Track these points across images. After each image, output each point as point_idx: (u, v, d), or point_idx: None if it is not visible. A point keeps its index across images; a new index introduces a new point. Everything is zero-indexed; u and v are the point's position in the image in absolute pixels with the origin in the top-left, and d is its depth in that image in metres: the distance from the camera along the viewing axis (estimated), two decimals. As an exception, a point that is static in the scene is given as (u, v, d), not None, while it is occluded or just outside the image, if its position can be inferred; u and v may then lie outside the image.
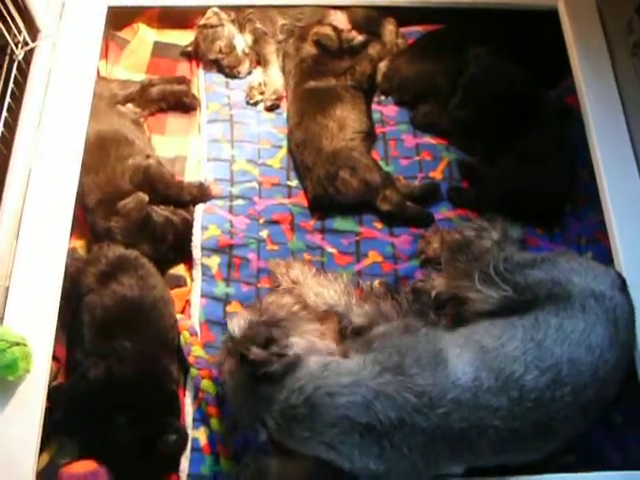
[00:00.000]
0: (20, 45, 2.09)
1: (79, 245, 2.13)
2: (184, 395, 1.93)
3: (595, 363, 1.65)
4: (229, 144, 2.29)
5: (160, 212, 2.09)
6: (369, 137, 2.26)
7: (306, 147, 2.19)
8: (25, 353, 1.78)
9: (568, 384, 1.62)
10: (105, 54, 2.43)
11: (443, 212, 2.20)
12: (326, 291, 2.00)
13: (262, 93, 2.38)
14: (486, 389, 1.59)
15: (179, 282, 2.10)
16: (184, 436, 1.88)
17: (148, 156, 2.16)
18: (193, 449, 1.86)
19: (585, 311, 1.71)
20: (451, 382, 1.59)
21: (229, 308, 2.04)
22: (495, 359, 1.63)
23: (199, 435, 1.88)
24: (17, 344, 1.77)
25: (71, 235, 2.02)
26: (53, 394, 1.85)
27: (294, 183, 2.25)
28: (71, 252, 2.04)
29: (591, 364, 1.65)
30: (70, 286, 1.96)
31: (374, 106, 2.39)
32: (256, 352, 1.62)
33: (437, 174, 2.26)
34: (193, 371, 1.93)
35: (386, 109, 2.39)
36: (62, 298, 1.91)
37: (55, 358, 1.92)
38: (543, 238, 2.16)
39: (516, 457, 1.67)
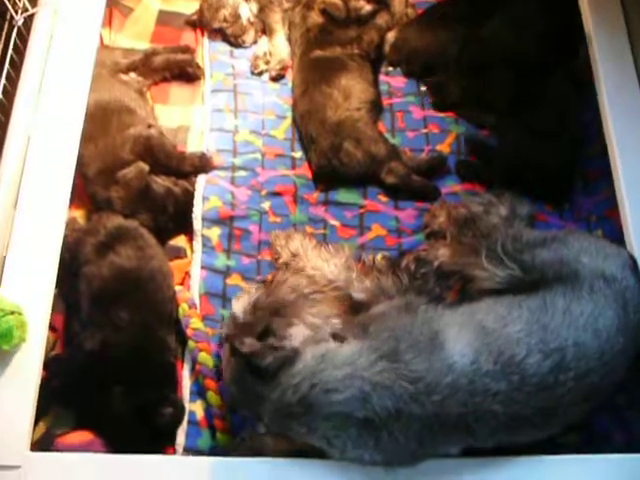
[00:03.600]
0: (20, 11, 2.04)
1: (79, 215, 2.09)
2: (182, 368, 1.89)
3: (601, 348, 1.58)
4: (232, 114, 2.23)
5: (161, 182, 2.05)
6: (375, 108, 2.19)
7: (310, 117, 2.14)
8: (21, 322, 1.74)
9: (572, 369, 1.56)
10: (108, 22, 2.39)
11: (450, 186, 2.13)
12: (326, 265, 1.95)
13: (267, 63, 2.33)
14: (484, 373, 1.52)
15: (179, 253, 2.05)
16: (180, 409, 1.85)
17: (150, 125, 2.12)
18: (190, 422, 1.82)
19: (593, 293, 1.63)
20: (447, 366, 1.52)
21: (229, 280, 2.00)
22: (496, 341, 1.56)
23: (196, 408, 1.84)
24: (12, 313, 1.73)
25: (70, 205, 1.98)
26: (50, 364, 1.83)
27: (298, 154, 2.19)
28: (70, 222, 2.01)
29: (597, 349, 1.58)
30: (69, 256, 1.92)
31: (381, 77, 2.33)
32: (250, 344, 1.58)
33: (444, 147, 2.19)
34: (191, 343, 1.88)
35: (394, 80, 2.33)
36: (61, 268, 1.86)
37: (53, 328, 1.89)
38: (552, 214, 2.09)
39: (515, 439, 1.60)
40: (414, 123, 2.24)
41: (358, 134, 2.08)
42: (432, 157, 2.15)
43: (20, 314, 1.76)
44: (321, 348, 1.60)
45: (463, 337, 1.58)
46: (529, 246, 1.80)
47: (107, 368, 1.81)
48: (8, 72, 1.97)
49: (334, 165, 2.08)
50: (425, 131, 2.23)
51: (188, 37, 2.41)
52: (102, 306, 1.88)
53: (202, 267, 2.01)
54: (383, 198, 2.12)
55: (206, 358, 1.87)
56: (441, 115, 2.25)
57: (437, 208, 2.08)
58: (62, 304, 1.94)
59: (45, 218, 1.91)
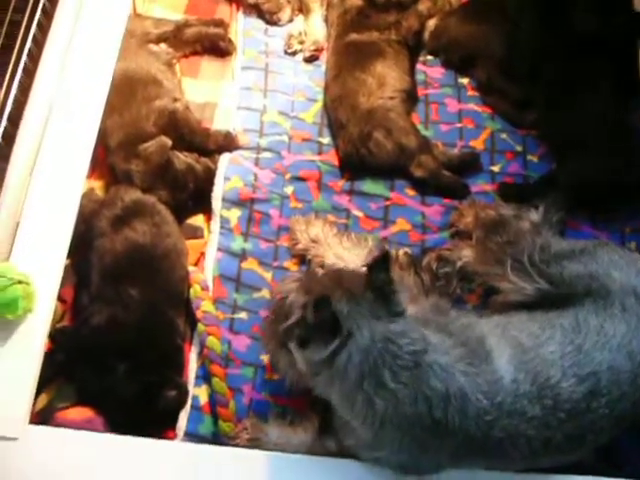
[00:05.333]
0: (50, -27, 1.96)
1: (98, 186, 2.01)
2: (189, 350, 1.80)
3: (634, 371, 1.47)
4: (261, 93, 2.12)
5: (183, 159, 1.95)
6: (410, 98, 2.07)
7: (341, 103, 2.02)
8: (27, 292, 1.65)
9: (605, 395, 1.44)
10: None
11: (481, 184, 2.00)
12: (347, 253, 1.85)
13: (301, 43, 2.21)
14: (522, 394, 1.40)
15: (196, 233, 1.95)
16: (184, 392, 1.76)
17: (176, 99, 2.02)
18: (192, 407, 1.74)
19: (625, 311, 1.52)
20: (496, 381, 1.40)
21: (244, 264, 1.90)
22: (532, 360, 1.44)
23: (200, 393, 1.76)
24: (20, 282, 1.65)
25: (89, 175, 1.91)
26: (56, 336, 1.75)
27: (326, 140, 2.07)
28: (88, 192, 1.93)
29: (630, 372, 1.47)
30: (83, 227, 1.84)
31: (419, 66, 2.20)
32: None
33: (478, 144, 2.07)
34: (200, 327, 1.80)
35: (431, 70, 2.20)
36: (74, 239, 1.78)
37: (62, 300, 1.81)
38: (585, 222, 1.95)
39: (538, 465, 1.49)
40: (448, 116, 2.11)
41: (390, 124, 1.96)
42: (464, 153, 2.03)
43: (28, 284, 1.67)
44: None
45: (504, 351, 1.46)
46: (557, 258, 1.68)
47: (113, 345, 1.73)
48: (35, 35, 1.88)
49: (362, 154, 1.96)
50: (459, 125, 2.10)
51: (223, 11, 2.29)
52: (112, 281, 1.79)
53: (218, 249, 1.92)
54: (410, 192, 2.00)
55: (214, 343, 1.78)
56: (478, 110, 2.12)
57: (465, 207, 1.95)
58: (73, 276, 1.86)
59: (61, 187, 1.82)
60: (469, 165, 2.01)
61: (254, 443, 1.67)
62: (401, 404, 1.37)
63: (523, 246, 1.74)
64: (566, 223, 1.93)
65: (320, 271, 1.60)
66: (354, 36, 2.08)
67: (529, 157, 2.06)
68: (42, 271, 1.73)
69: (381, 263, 1.39)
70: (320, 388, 1.45)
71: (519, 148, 2.07)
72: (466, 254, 1.87)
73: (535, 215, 1.88)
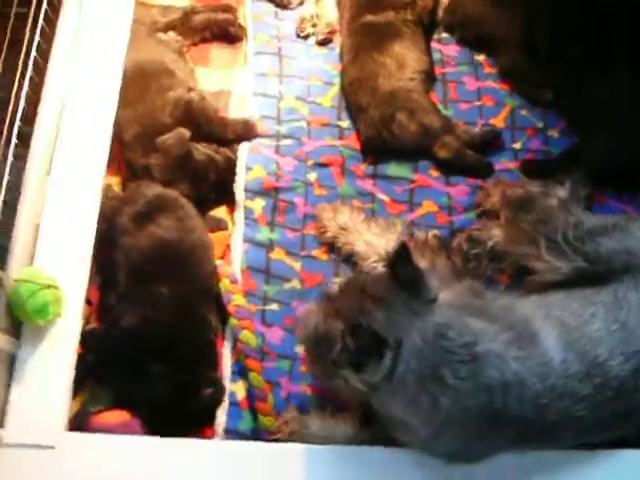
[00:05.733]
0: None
1: (114, 182, 1.92)
2: (222, 345, 1.74)
3: None
4: (277, 79, 2.05)
5: (202, 150, 1.88)
6: (429, 78, 2.00)
7: (360, 86, 1.95)
8: (56, 296, 1.60)
9: None
10: None
11: (504, 162, 1.95)
12: (376, 239, 1.79)
13: (314, 26, 2.13)
14: (572, 374, 1.37)
15: (220, 225, 1.89)
16: (221, 389, 1.70)
17: (190, 89, 1.94)
18: (230, 403, 1.69)
19: None
20: (546, 363, 1.37)
21: (272, 255, 1.83)
22: (579, 340, 1.41)
23: (237, 389, 1.70)
24: (48, 287, 1.58)
25: (106, 171, 1.84)
26: (86, 338, 1.68)
27: (345, 124, 2.01)
28: (106, 189, 1.84)
29: None
30: (105, 226, 1.76)
31: (433, 44, 2.13)
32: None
33: (498, 121, 2.01)
34: (233, 321, 1.74)
35: (447, 48, 2.13)
36: (96, 238, 1.72)
37: (87, 301, 1.73)
38: (612, 197, 1.91)
39: (585, 442, 1.47)
40: (467, 95, 2.05)
41: (412, 105, 1.90)
42: (486, 131, 1.97)
43: (56, 288, 1.61)
44: None
45: (550, 332, 1.42)
46: (591, 234, 1.63)
47: (145, 345, 1.67)
48: (42, 28, 1.79)
49: (384, 137, 1.90)
50: (479, 103, 2.04)
51: (228, -6, 2.23)
52: (140, 280, 1.72)
53: (244, 240, 1.85)
54: (434, 173, 1.94)
55: (248, 336, 1.72)
56: (496, 87, 2.05)
57: (491, 186, 1.90)
58: (97, 276, 1.78)
59: (80, 186, 1.76)
60: (491, 143, 1.95)
61: (296, 437, 1.62)
62: (462, 398, 1.34)
63: (556, 224, 1.69)
64: (593, 198, 1.88)
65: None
66: (369, 17, 2.01)
67: (550, 133, 2.01)
68: (68, 273, 1.67)
69: (403, 255, 1.34)
70: (381, 401, 1.40)
71: (540, 124, 2.01)
72: (496, 234, 1.82)
73: (562, 191, 1.83)
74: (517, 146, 1.99)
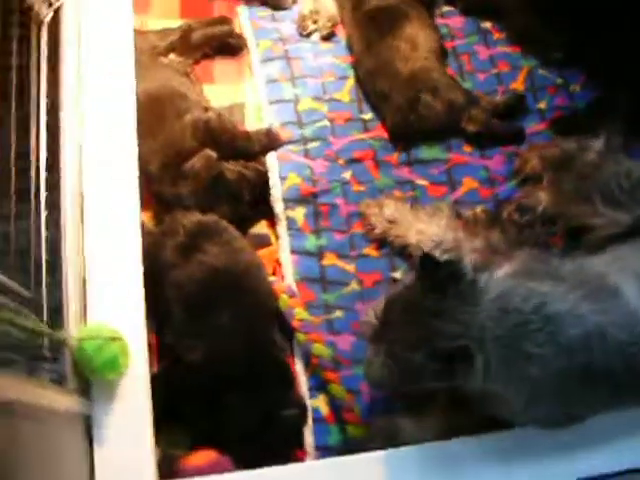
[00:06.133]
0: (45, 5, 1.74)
1: (146, 218, 1.81)
2: (293, 363, 1.67)
3: None
4: (290, 82, 1.95)
5: (231, 168, 1.78)
6: (442, 54, 1.93)
7: (380, 74, 1.87)
8: (123, 348, 1.50)
9: None
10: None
11: (533, 126, 1.89)
12: (427, 227, 1.73)
13: (315, 22, 2.03)
14: None
15: (263, 241, 1.81)
16: (303, 408, 1.63)
17: (206, 108, 1.84)
18: (315, 420, 1.61)
19: None
20: (631, 313, 1.31)
21: (325, 261, 1.76)
22: None
23: (319, 404, 1.63)
24: (113, 339, 1.49)
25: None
26: (154, 382, 1.59)
27: (368, 116, 1.92)
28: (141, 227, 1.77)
29: None
30: (149, 264, 1.66)
31: (438, 20, 2.04)
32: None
33: (518, 85, 1.94)
34: (300, 336, 1.66)
35: (451, 21, 2.05)
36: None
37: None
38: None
39: None
40: (482, 64, 1.98)
41: (434, 83, 1.82)
42: (509, 97, 1.90)
43: (121, 339, 1.51)
44: None
45: (632, 284, 1.36)
46: None
47: (216, 378, 1.58)
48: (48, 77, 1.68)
49: (412, 120, 1.82)
50: (495, 71, 1.97)
51: (220, 6, 2.10)
52: (199, 312, 1.63)
53: (292, 252, 1.77)
54: (467, 148, 1.87)
55: (321, 349, 1.65)
56: (508, 51, 1.98)
57: (526, 152, 1.85)
58: (149, 318, 1.70)
59: (118, 228, 1.64)
60: (517, 108, 1.88)
61: (392, 441, 1.56)
62: (548, 363, 1.29)
63: (606, 177, 1.66)
64: (627, 146, 1.86)
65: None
66: (373, 3, 1.92)
67: (572, 87, 1.94)
68: (125, 321, 1.56)
69: (428, 263, 1.30)
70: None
71: (559, 80, 1.95)
72: (543, 198, 1.77)
73: (598, 143, 1.77)
74: (542, 106, 1.93)
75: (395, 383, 1.37)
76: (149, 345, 1.64)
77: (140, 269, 1.63)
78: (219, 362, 1.60)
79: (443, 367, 1.26)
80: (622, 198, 1.59)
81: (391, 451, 1.49)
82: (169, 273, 1.68)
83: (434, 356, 1.26)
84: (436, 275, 1.29)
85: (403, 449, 1.49)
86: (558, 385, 1.32)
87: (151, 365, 1.65)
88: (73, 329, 1.52)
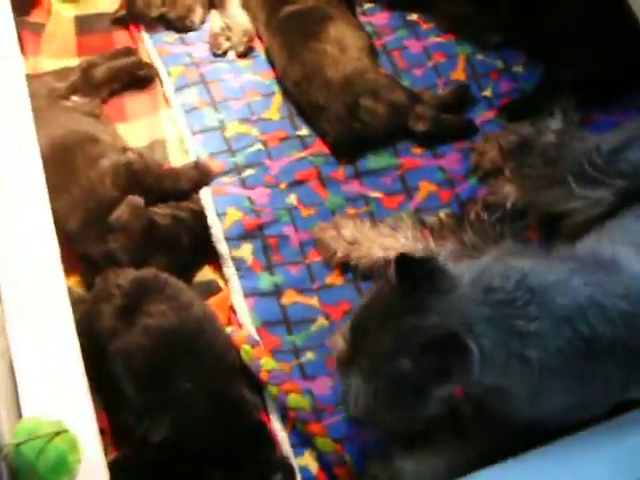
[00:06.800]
0: None
1: (73, 283, 1.56)
2: (269, 420, 1.43)
3: None
4: (211, 108, 1.73)
5: (163, 212, 1.54)
6: (373, 53, 1.74)
7: (310, 83, 1.66)
8: (70, 442, 1.22)
9: None
10: (21, 48, 1.77)
11: (482, 114, 1.72)
12: (391, 240, 1.53)
13: (229, 39, 1.81)
14: None
15: (211, 288, 1.57)
16: (290, 470, 1.38)
17: (124, 149, 1.60)
18: (305, 480, 1.40)
19: None
20: (630, 282, 1.18)
21: (284, 300, 1.53)
22: None
23: (307, 462, 1.39)
24: (57, 434, 1.24)
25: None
26: (115, 473, 1.34)
27: (304, 131, 1.71)
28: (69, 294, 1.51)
29: None
30: (85, 338, 1.41)
31: (361, 18, 1.85)
32: None
33: (459, 75, 1.77)
34: (272, 389, 1.42)
35: (375, 18, 1.86)
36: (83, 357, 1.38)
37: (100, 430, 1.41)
38: (598, 111, 1.70)
39: None
40: (416, 58, 1.80)
41: (372, 85, 1.63)
42: (453, 88, 1.73)
43: (66, 431, 1.24)
44: None
45: (624, 253, 1.23)
46: (614, 153, 1.43)
47: (189, 453, 1.33)
48: None
49: (354, 128, 1.62)
50: (431, 63, 1.79)
51: (121, 38, 1.86)
52: (153, 384, 1.37)
53: (246, 295, 1.54)
54: (417, 150, 1.68)
55: (298, 400, 1.41)
56: (441, 40, 1.81)
57: (481, 144, 1.68)
58: (97, 397, 1.45)
59: (42, 302, 1.36)
60: (463, 99, 1.71)
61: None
62: (546, 341, 1.14)
63: (575, 156, 1.49)
64: (583, 120, 1.70)
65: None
66: (289, 8, 1.71)
67: (514, 69, 1.78)
68: (68, 409, 1.29)
69: (405, 263, 1.13)
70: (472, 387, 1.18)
71: (500, 64, 1.79)
72: (510, 191, 1.60)
73: (555, 123, 1.62)
74: (488, 94, 1.76)
75: (384, 407, 1.17)
76: (101, 431, 1.39)
77: (75, 345, 1.35)
78: (189, 436, 1.34)
79: (435, 365, 1.08)
80: (598, 175, 1.42)
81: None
82: (111, 344, 1.42)
83: (422, 356, 1.08)
84: (414, 274, 1.13)
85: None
86: (562, 367, 1.15)
87: (110, 452, 1.43)
88: (6, 432, 1.26)
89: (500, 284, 1.14)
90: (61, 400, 1.29)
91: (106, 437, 1.41)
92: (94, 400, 1.33)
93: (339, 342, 1.22)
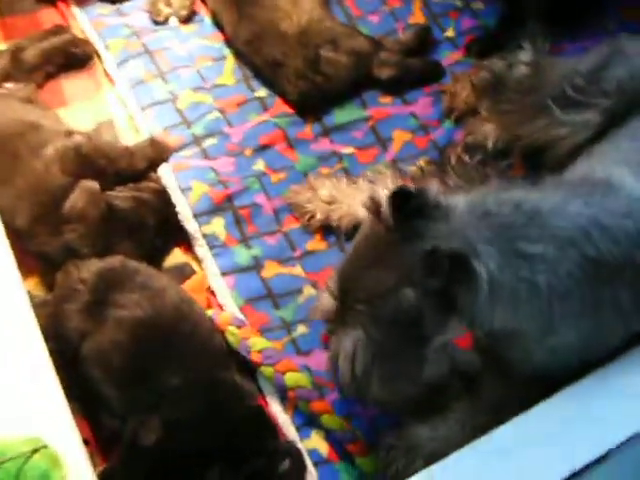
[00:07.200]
0: None
1: (31, 286, 1.38)
2: (267, 405, 1.28)
3: None
4: (160, 80, 1.58)
5: (122, 195, 1.38)
6: (325, 2, 1.59)
7: (264, 40, 1.52)
8: (52, 458, 1.07)
9: None
10: None
11: (448, 56, 1.61)
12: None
13: (169, 4, 1.65)
14: None
15: (185, 272, 1.41)
16: (298, 454, 1.23)
17: (70, 132, 1.42)
18: (317, 464, 1.23)
19: None
20: (632, 202, 1.09)
21: (265, 273, 1.38)
22: None
23: (315, 444, 1.25)
24: (35, 451, 1.08)
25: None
26: (107, 482, 1.20)
27: (262, 92, 1.57)
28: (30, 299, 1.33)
29: None
30: (53, 342, 1.23)
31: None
32: None
33: (417, 17, 1.66)
34: (266, 370, 1.28)
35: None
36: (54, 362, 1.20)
37: (84, 442, 1.24)
38: (564, 40, 1.59)
39: None
40: (370, 5, 1.67)
41: (331, 34, 1.50)
42: (414, 31, 1.60)
43: (46, 447, 1.09)
44: None
45: (620, 172, 1.14)
46: (594, 73, 1.34)
47: (187, 451, 1.17)
48: None
49: (317, 83, 1.49)
50: (387, 9, 1.67)
51: (49, 16, 1.68)
52: (137, 381, 1.22)
53: (223, 273, 1.39)
54: (385, 99, 1.56)
55: (296, 378, 1.27)
56: (394, -17, 1.70)
57: (452, 85, 1.57)
58: (76, 405, 1.28)
59: (2, 315, 1.21)
60: (425, 41, 1.58)
61: (412, 457, 1.21)
62: (553, 263, 1.03)
63: (555, 82, 1.39)
64: (552, 50, 1.60)
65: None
66: (232, -34, 1.57)
67: (474, 6, 1.67)
68: (45, 423, 1.13)
69: (400, 196, 1.02)
70: (483, 322, 1.05)
71: (459, 2, 1.68)
72: (488, 130, 1.49)
73: (525, 54, 1.51)
74: (450, 34, 1.64)
75: (384, 364, 1.04)
76: (85, 442, 1.23)
77: (44, 352, 1.20)
78: (182, 433, 1.18)
79: (441, 290, 0.96)
80: (581, 97, 1.32)
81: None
82: (83, 345, 1.26)
83: (426, 280, 0.96)
84: (410, 207, 1.02)
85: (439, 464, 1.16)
86: (572, 293, 1.04)
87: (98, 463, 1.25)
88: (-24, 457, 1.10)
89: (497, 210, 1.05)
90: (35, 414, 1.14)
91: (91, 447, 1.26)
92: (72, 409, 1.20)
93: (325, 300, 1.09)
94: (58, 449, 1.08)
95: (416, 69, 1.55)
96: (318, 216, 1.41)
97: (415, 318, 1.00)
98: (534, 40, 1.53)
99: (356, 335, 1.03)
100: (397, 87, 1.56)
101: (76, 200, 1.33)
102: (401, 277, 1.00)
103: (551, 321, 1.08)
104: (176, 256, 1.43)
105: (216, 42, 1.64)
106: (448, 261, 0.96)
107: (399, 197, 1.03)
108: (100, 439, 1.27)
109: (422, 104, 1.55)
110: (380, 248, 1.05)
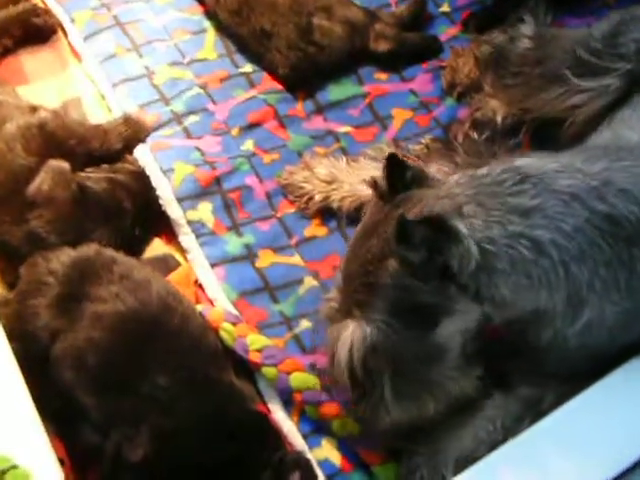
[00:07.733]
0: None
1: (-7, 283, 1.21)
2: (268, 411, 1.11)
3: None
4: (134, 53, 1.41)
5: (95, 176, 1.19)
6: (316, -29, 1.47)
7: (252, 10, 1.37)
8: (23, 477, 0.90)
9: None
10: None
11: (445, 32, 1.48)
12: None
13: (142, -28, 1.50)
14: None
15: (168, 264, 1.22)
16: (307, 465, 1.05)
17: (34, 108, 1.23)
18: (328, 477, 1.05)
19: None
20: None
21: (260, 262, 1.21)
22: None
23: (326, 454, 1.07)
24: (3, 473, 0.88)
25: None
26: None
27: (248, 68, 1.41)
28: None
29: None
30: (19, 346, 1.04)
31: None
32: None
33: (411, -10, 1.54)
34: (268, 372, 1.10)
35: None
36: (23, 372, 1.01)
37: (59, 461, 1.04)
38: (567, 16, 1.49)
39: None
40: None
41: (324, 2, 1.35)
42: (408, 5, 1.46)
43: (16, 467, 0.89)
44: None
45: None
46: (611, 37, 1.22)
47: (179, 470, 0.98)
48: None
49: (310, 54, 1.33)
50: (380, -18, 1.54)
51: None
52: (119, 386, 1.02)
53: (212, 264, 1.21)
54: (381, 75, 1.42)
55: (303, 379, 1.09)
56: (383, -44, 1.56)
57: (453, 60, 1.44)
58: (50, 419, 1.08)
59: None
60: (421, 15, 1.45)
61: (438, 463, 1.04)
62: (554, 217, 0.91)
63: (568, 48, 1.27)
64: (554, 25, 1.47)
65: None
66: None
67: (467, -21, 1.57)
68: (13, 440, 0.93)
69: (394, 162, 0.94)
70: (503, 303, 0.92)
71: (452, -24, 1.57)
72: (496, 105, 1.36)
73: (527, 27, 1.40)
74: (445, 9, 1.52)
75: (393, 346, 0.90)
76: (60, 461, 1.04)
77: (8, 357, 1.02)
78: (176, 445, 1.00)
79: (425, 258, 0.86)
80: (599, 61, 1.21)
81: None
82: (54, 346, 1.08)
83: (402, 249, 0.86)
84: (403, 176, 0.94)
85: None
86: (587, 253, 0.92)
87: None
88: None
89: (487, 172, 0.95)
90: (2, 429, 0.96)
91: (66, 468, 1.06)
92: (44, 423, 1.01)
93: (334, 294, 0.95)
94: (30, 469, 0.91)
95: (413, 43, 1.42)
96: (316, 198, 1.24)
97: (410, 296, 0.88)
98: (536, 13, 1.43)
99: (355, 322, 0.90)
100: (394, 62, 1.42)
101: (42, 181, 1.14)
102: (383, 248, 0.90)
103: (575, 288, 0.95)
104: (157, 247, 1.25)
105: (195, 14, 1.49)
106: (423, 227, 0.85)
107: (394, 166, 0.94)
108: (77, 458, 1.08)
109: (421, 81, 1.41)
110: (376, 222, 0.95)
